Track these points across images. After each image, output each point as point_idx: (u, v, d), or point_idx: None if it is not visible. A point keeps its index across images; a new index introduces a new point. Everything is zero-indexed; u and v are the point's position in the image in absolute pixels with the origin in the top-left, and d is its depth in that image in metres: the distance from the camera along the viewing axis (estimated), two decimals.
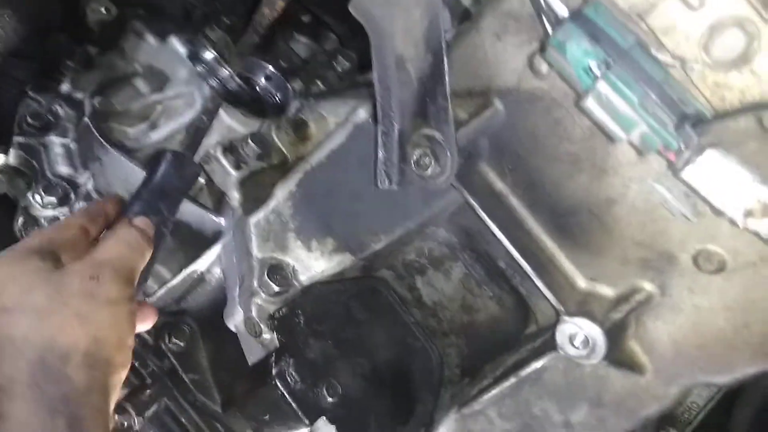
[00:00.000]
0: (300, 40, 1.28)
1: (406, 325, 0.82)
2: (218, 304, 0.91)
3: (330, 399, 0.72)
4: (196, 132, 0.93)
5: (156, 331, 0.94)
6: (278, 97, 1.14)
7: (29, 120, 1.02)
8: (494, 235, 0.67)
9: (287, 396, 0.70)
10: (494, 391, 0.71)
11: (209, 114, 0.92)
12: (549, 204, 0.66)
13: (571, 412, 0.69)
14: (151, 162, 0.81)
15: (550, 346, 0.65)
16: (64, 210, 0.97)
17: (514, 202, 0.68)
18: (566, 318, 0.63)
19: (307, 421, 0.70)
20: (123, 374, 0.64)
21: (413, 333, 0.82)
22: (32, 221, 0.99)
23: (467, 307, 0.81)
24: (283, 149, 0.94)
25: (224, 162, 0.88)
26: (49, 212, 0.98)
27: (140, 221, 0.73)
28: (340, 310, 0.78)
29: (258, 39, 0.96)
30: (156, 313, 0.76)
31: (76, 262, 0.64)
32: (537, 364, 0.68)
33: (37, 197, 0.98)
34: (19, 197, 1.02)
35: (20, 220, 1.00)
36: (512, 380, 0.69)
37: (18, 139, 1.02)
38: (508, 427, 0.72)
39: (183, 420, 0.91)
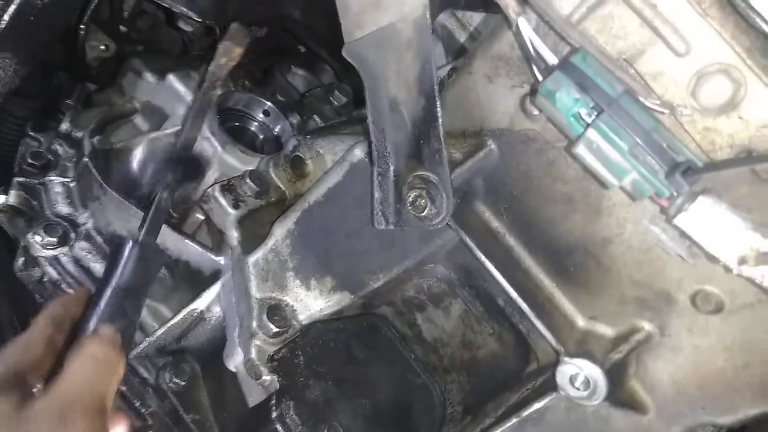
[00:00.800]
0: (297, 72, 1.30)
1: (407, 361, 0.82)
2: (218, 343, 0.91)
3: None
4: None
5: (157, 370, 0.94)
6: (276, 131, 1.15)
7: (29, 160, 1.03)
8: (491, 275, 0.67)
9: None
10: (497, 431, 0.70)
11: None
12: (545, 243, 0.66)
13: None
14: (113, 248, 0.71)
15: (551, 386, 0.65)
16: (65, 249, 0.98)
17: (511, 241, 0.68)
18: (566, 359, 0.63)
19: None
20: None
21: (414, 370, 0.82)
22: (32, 261, 1.00)
23: (468, 344, 0.81)
24: (281, 186, 0.94)
25: (222, 201, 0.88)
26: (49, 252, 0.98)
27: (107, 332, 0.67)
28: (341, 349, 0.78)
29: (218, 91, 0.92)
30: (125, 420, 0.70)
31: (43, 400, 0.60)
32: (539, 405, 0.67)
33: (38, 237, 0.98)
34: (20, 237, 1.02)
35: (21, 260, 1.01)
36: (514, 420, 0.69)
37: (18, 179, 1.03)
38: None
39: None
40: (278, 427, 0.71)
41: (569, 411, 0.67)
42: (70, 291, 0.98)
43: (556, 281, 0.66)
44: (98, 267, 0.99)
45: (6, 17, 0.89)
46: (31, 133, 1.10)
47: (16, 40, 0.94)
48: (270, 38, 1.14)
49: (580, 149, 0.50)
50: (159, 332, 0.94)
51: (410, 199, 0.67)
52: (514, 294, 0.66)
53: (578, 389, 0.63)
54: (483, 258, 0.67)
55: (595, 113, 0.50)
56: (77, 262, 0.99)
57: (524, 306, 0.65)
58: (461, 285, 0.80)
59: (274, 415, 0.72)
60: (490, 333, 0.79)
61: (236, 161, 1.01)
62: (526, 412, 0.68)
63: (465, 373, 0.81)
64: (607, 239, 0.61)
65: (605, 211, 0.60)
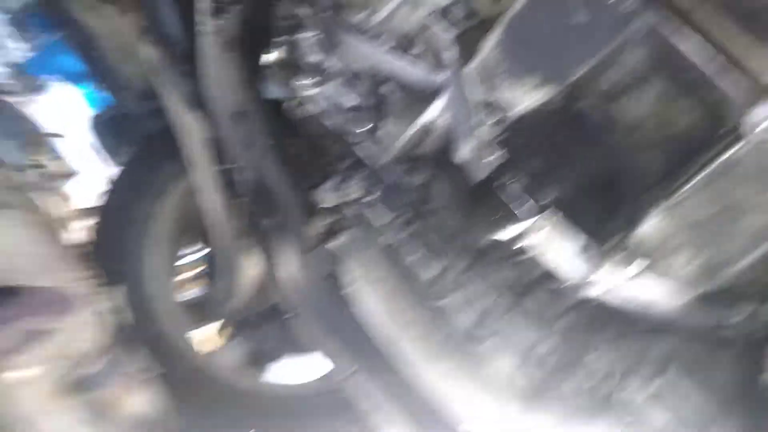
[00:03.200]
0: None
1: (609, 143, 0.95)
2: (445, 147, 1.14)
3: (546, 202, 0.90)
4: None
5: (399, 174, 1.21)
6: None
7: (284, 22, 1.32)
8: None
9: (511, 201, 0.90)
10: (694, 182, 0.82)
11: None
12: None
13: None
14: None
15: (742, 132, 0.74)
16: (321, 88, 1.27)
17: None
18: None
19: (525, 217, 0.90)
20: None
21: (618, 146, 0.95)
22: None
23: (663, 121, 0.90)
24: (484, 9, 1.08)
25: (438, 27, 1.06)
26: (310, 92, 1.28)
27: None
28: (550, 132, 0.94)
29: None
30: None
31: None
32: (731, 153, 0.77)
33: (299, 82, 1.28)
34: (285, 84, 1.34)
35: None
36: (710, 169, 0.79)
37: (278, 39, 1.33)
38: (709, 213, 0.83)
39: (429, 238, 1.17)
40: (503, 192, 0.92)
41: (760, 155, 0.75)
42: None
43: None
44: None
45: None
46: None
47: None
48: None
49: None
50: (398, 145, 1.20)
51: None
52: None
53: None
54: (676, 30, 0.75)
55: None
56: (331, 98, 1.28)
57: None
58: (659, 65, 0.88)
59: (499, 183, 0.92)
60: (683, 107, 0.87)
61: None
62: (721, 160, 0.78)
63: (663, 147, 0.92)
64: None
65: None
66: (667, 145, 0.92)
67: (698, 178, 0.81)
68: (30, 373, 0.77)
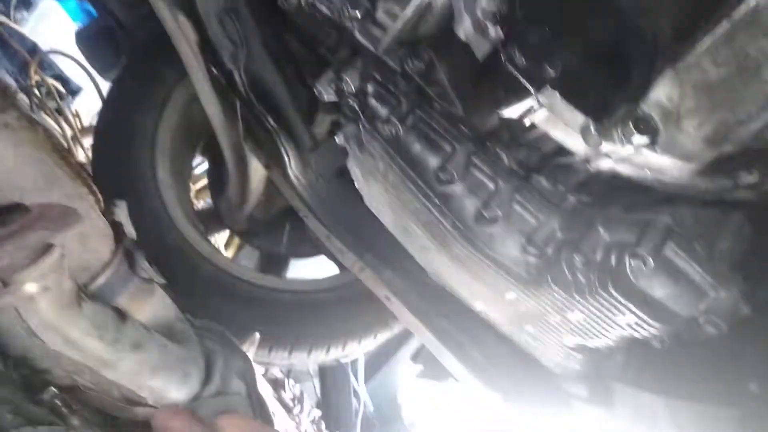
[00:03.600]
0: None
1: (616, 6, 0.90)
2: (445, 26, 1.08)
3: (552, 72, 0.87)
4: None
5: (400, 59, 1.17)
6: None
7: None
8: None
9: (516, 73, 0.87)
10: (707, 41, 0.77)
11: None
12: None
13: None
14: None
15: None
16: None
17: None
18: None
19: (533, 90, 0.86)
20: None
21: (625, 13, 0.89)
22: None
23: None
24: None
25: None
26: None
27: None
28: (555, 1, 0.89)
29: None
30: None
31: None
32: (751, 2, 0.71)
33: None
34: None
35: None
36: (724, 25, 0.75)
37: None
38: (723, 73, 0.79)
39: (434, 124, 1.15)
40: (508, 64, 0.88)
41: None
42: None
43: None
44: None
45: None
46: None
47: None
48: None
49: None
50: (397, 26, 1.14)
51: None
52: None
53: None
54: None
55: None
56: None
57: None
58: None
59: (503, 56, 0.88)
60: None
61: None
62: (737, 14, 0.73)
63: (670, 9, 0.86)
64: None
65: None
66: (678, 4, 0.86)
67: (712, 36, 0.76)
68: (43, 286, 0.79)
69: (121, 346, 0.90)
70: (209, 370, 1.05)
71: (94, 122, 2.55)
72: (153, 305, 1.08)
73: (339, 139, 1.36)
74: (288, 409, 2.04)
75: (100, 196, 1.36)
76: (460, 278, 1.25)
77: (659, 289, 0.92)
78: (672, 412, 0.95)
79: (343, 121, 1.32)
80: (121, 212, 1.40)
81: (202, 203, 3.01)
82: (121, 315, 0.94)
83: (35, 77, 2.86)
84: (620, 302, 0.93)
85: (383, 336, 1.85)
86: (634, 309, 0.92)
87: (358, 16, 1.16)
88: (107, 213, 1.33)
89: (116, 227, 1.24)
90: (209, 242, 2.17)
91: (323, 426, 2.20)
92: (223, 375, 1.06)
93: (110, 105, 2.35)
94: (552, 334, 1.17)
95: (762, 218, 0.95)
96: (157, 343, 0.96)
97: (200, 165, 2.98)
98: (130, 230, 1.38)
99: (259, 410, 1.11)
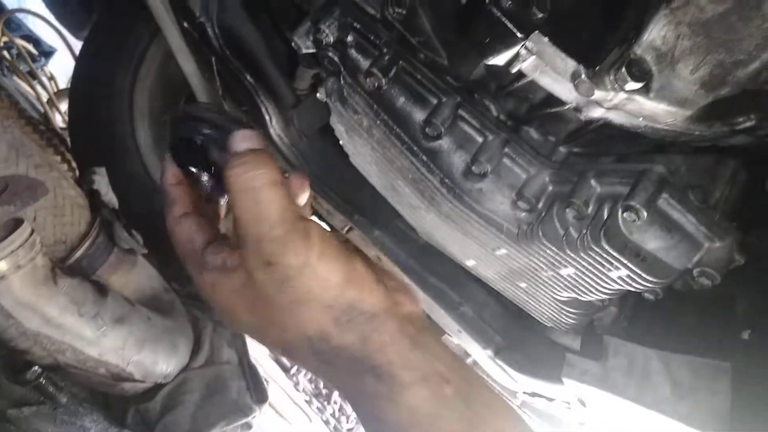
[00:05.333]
0: None
1: None
2: None
3: (540, 15, 0.81)
4: None
5: (380, 6, 1.10)
6: None
7: None
8: None
9: (502, 17, 0.81)
10: None
11: None
12: None
13: None
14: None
15: None
16: None
17: None
18: None
19: (521, 36, 0.81)
20: None
21: None
22: None
23: None
24: None
25: None
26: None
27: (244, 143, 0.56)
28: None
29: None
30: (305, 179, 0.64)
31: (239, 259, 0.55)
32: None
33: None
34: None
35: None
36: None
37: None
38: (720, 10, 0.74)
39: (418, 76, 1.09)
40: (493, 8, 0.82)
41: None
42: None
43: None
44: None
45: None
46: None
47: None
48: None
49: None
50: None
51: None
52: None
53: None
54: None
55: None
56: None
57: None
58: None
59: (483, 4, 0.82)
60: None
61: None
62: None
63: None
64: None
65: None
66: None
67: None
68: (15, 264, 0.75)
69: (102, 321, 0.87)
70: (198, 340, 1.03)
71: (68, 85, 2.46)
72: (136, 276, 1.05)
73: (320, 95, 1.30)
74: (285, 369, 2.05)
75: (74, 164, 1.31)
76: (451, 236, 1.22)
77: (653, 242, 0.89)
78: (665, 365, 0.94)
79: (324, 74, 1.26)
80: (101, 179, 1.35)
81: None
82: (102, 289, 0.91)
83: (3, 38, 2.74)
84: (613, 256, 0.91)
85: None
86: (627, 263, 0.90)
87: None
88: (84, 181, 1.28)
89: (94, 196, 1.19)
90: None
91: (321, 384, 2.22)
92: (213, 344, 1.04)
93: (83, 66, 2.26)
94: (545, 290, 1.15)
95: (757, 162, 0.92)
96: (141, 316, 0.93)
97: None
98: (110, 198, 1.33)
99: (251, 378, 1.10)
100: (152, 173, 2.03)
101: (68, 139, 2.15)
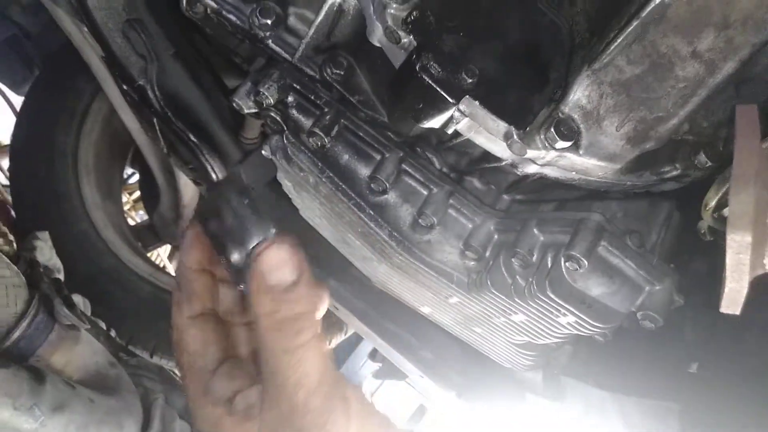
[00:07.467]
0: None
1: (533, 3, 0.87)
2: (360, 32, 1.03)
3: (470, 80, 0.83)
4: None
5: (318, 66, 1.11)
6: None
7: None
8: None
9: (433, 84, 0.83)
10: (620, 40, 0.76)
11: None
12: None
13: (698, 41, 0.72)
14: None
15: None
16: None
17: None
18: None
19: (452, 101, 0.83)
20: None
21: (540, 10, 0.87)
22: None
23: None
24: None
25: None
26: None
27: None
28: (462, 4, 0.85)
29: None
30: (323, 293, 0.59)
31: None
32: (658, 3, 0.70)
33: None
34: None
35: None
36: (635, 24, 0.73)
37: None
38: (637, 71, 0.78)
39: (360, 133, 1.10)
40: (423, 76, 0.84)
41: (691, 1, 0.68)
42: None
43: None
44: None
45: None
46: None
47: None
48: None
49: None
50: (310, 33, 1.08)
51: None
52: None
53: None
54: None
55: None
56: None
57: None
58: None
59: (417, 67, 0.84)
60: None
61: None
62: (646, 12, 0.71)
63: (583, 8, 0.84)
64: None
65: None
66: (591, 3, 0.84)
67: (624, 34, 0.74)
68: None
69: (39, 411, 0.83)
70: (147, 415, 1.00)
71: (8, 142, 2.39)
72: (79, 353, 1.01)
73: (265, 152, 1.30)
74: None
75: (11, 236, 1.25)
76: (404, 285, 1.22)
77: (596, 289, 0.91)
78: (620, 408, 0.96)
79: (268, 131, 1.26)
80: (43, 245, 1.30)
81: (141, 214, 2.89)
82: (39, 375, 0.88)
83: None
84: (559, 304, 0.92)
85: (336, 340, 1.82)
86: (573, 310, 0.91)
87: (269, 23, 1.09)
88: (25, 248, 1.23)
89: (33, 268, 1.15)
90: (149, 261, 2.08)
91: None
92: (164, 418, 1.01)
93: (25, 121, 2.20)
94: (499, 334, 1.16)
95: (688, 203, 0.95)
96: (82, 400, 0.90)
97: (134, 174, 2.85)
98: (54, 263, 1.28)
99: None
100: (100, 231, 1.98)
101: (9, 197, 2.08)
